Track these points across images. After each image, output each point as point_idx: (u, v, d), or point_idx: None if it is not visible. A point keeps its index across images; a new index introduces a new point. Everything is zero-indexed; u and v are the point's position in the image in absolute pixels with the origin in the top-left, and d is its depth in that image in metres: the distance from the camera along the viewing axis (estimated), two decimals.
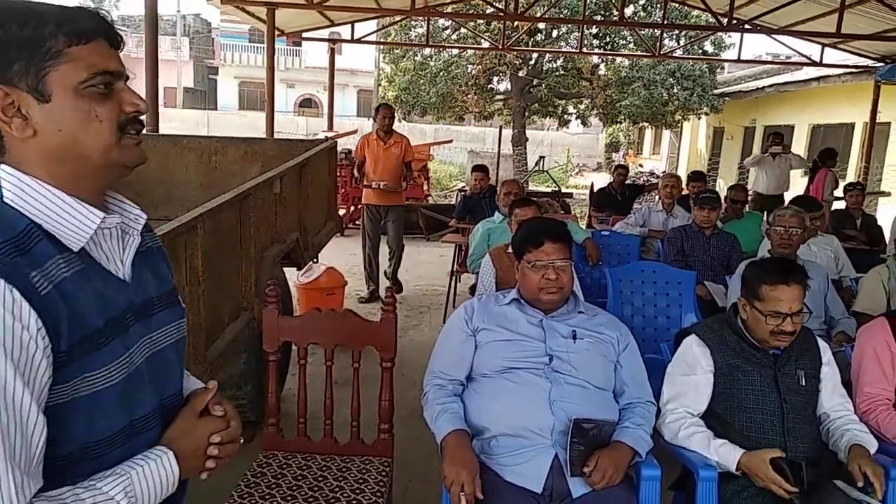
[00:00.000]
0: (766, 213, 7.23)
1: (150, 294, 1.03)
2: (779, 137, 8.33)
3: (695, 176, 6.41)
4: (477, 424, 1.99)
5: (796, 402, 2.03)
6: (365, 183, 5.98)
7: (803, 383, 2.05)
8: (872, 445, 1.98)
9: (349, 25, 10.75)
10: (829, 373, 2.11)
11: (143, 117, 0.98)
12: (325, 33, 11.43)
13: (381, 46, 16.42)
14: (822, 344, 2.16)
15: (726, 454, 1.94)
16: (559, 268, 2.07)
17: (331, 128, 11.33)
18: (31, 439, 0.82)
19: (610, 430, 1.94)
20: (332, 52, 11.56)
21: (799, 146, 14.66)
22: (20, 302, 0.82)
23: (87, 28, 0.90)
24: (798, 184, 8.84)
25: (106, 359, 0.91)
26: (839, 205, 6.89)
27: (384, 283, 5.89)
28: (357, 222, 9.57)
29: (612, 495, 1.82)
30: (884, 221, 6.50)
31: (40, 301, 0.84)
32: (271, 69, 8.56)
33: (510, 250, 3.36)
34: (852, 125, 12.73)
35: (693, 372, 2.10)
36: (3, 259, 0.83)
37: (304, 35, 10.98)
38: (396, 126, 6.25)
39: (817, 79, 12.55)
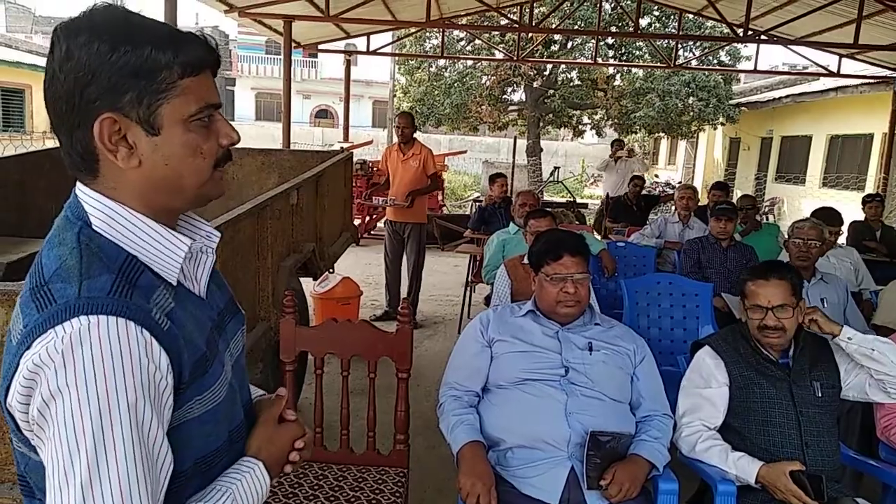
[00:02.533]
0: (611, 212, 7.73)
1: (220, 306, 1.02)
2: (620, 143, 9.32)
3: (717, 185, 6.36)
4: (493, 436, 1.99)
5: (813, 414, 2.01)
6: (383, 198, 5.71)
7: (819, 395, 2.03)
8: None
9: (365, 37, 10.85)
10: (853, 371, 2.08)
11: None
12: (340, 45, 11.55)
13: (397, 58, 16.51)
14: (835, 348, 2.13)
15: (745, 467, 1.92)
16: (577, 281, 2.07)
17: (346, 138, 11.40)
18: (160, 477, 0.82)
19: (627, 443, 1.93)
20: (348, 64, 11.66)
21: (817, 157, 14.55)
22: (150, 341, 0.80)
23: (200, 59, 0.86)
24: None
25: (211, 380, 0.91)
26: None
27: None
28: (372, 233, 9.65)
29: None
30: None
31: (164, 337, 0.83)
32: (288, 81, 8.65)
33: (525, 261, 3.37)
34: (871, 136, 12.60)
35: (708, 385, 2.09)
36: (122, 299, 0.80)
37: (321, 47, 11.10)
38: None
39: (835, 89, 12.45)
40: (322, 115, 33.45)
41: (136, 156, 0.85)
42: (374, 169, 8.87)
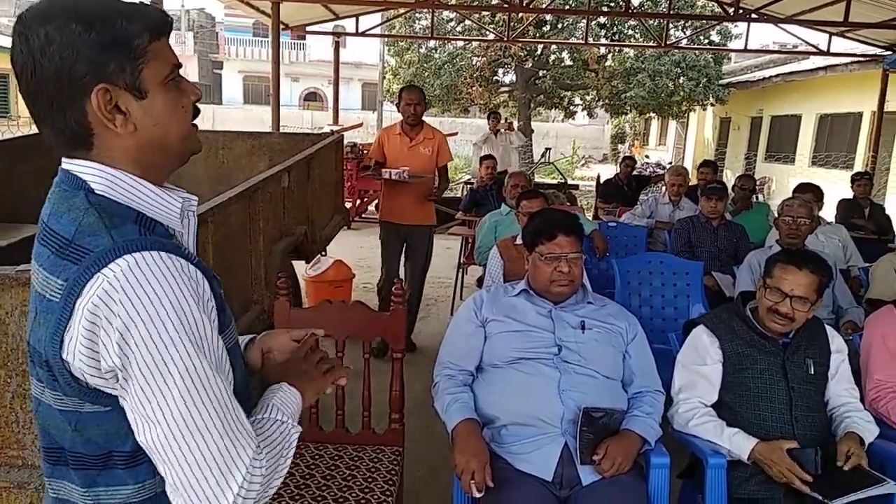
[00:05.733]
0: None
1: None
2: (497, 116, 9.02)
3: (705, 163, 6.38)
4: (487, 414, 2.01)
5: (804, 390, 2.04)
6: (378, 175, 4.39)
7: (812, 372, 2.06)
8: (871, 433, 2.00)
9: (353, 19, 10.75)
10: (839, 360, 2.12)
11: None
12: (329, 27, 11.44)
13: (386, 39, 16.37)
14: (831, 332, 2.17)
15: (739, 443, 1.96)
16: (571, 260, 2.08)
17: (336, 121, 11.33)
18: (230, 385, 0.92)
19: (619, 419, 1.96)
20: (337, 46, 11.56)
21: (806, 136, 14.60)
22: (189, 267, 0.89)
23: (162, 23, 0.93)
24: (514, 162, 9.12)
25: (230, 317, 1.01)
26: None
27: None
28: (364, 215, 9.58)
29: (621, 483, 1.84)
30: (892, 210, 6.47)
31: (198, 265, 0.92)
32: (276, 63, 8.58)
33: (518, 242, 3.39)
34: (860, 114, 12.65)
35: (703, 362, 2.11)
36: (152, 237, 0.88)
37: (309, 29, 10.98)
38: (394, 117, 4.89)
39: (824, 68, 12.46)
40: (311, 97, 33.21)
41: (131, 121, 0.91)
42: (364, 152, 8.75)
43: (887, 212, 6.15)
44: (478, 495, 1.80)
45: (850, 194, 6.15)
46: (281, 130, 8.91)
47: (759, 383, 2.04)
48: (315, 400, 1.18)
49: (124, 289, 0.82)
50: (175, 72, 0.94)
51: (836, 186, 8.65)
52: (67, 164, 0.93)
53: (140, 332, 0.82)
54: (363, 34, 11.30)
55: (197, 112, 1.00)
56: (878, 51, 10.23)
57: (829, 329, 2.18)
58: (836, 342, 2.15)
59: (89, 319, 0.83)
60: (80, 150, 0.91)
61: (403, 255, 4.54)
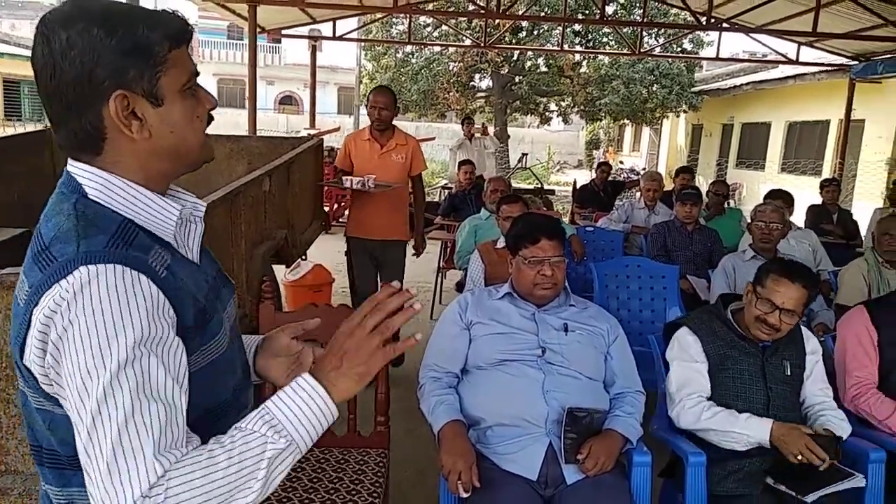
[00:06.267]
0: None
1: (213, 273, 1.08)
2: (471, 121, 9.15)
3: (683, 169, 6.51)
4: (473, 415, 2.03)
5: (781, 390, 2.10)
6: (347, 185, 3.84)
7: (788, 373, 2.12)
8: (845, 431, 2.06)
9: (331, 22, 10.73)
10: (813, 361, 2.18)
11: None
12: (305, 30, 11.39)
13: (363, 44, 16.36)
14: (806, 334, 2.24)
15: (756, 425, 1.98)
16: (554, 264, 2.12)
17: (313, 125, 11.29)
18: (177, 418, 0.84)
19: (602, 419, 2.00)
20: (314, 50, 11.52)
21: (776, 143, 14.93)
22: (148, 283, 0.85)
23: (182, 31, 0.93)
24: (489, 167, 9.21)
25: (216, 328, 0.98)
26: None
27: None
28: (341, 220, 9.54)
29: (605, 481, 1.88)
30: (859, 216, 6.65)
31: (162, 283, 0.88)
32: (253, 66, 8.52)
33: (498, 246, 3.42)
34: (827, 122, 12.97)
35: (694, 360, 2.15)
36: (118, 251, 0.86)
37: (285, 32, 10.92)
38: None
39: (793, 77, 12.76)
40: (286, 101, 32.98)
41: (147, 127, 0.92)
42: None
43: (854, 217, 6.32)
44: (464, 495, 1.82)
45: (818, 200, 6.31)
46: (258, 134, 8.85)
47: (738, 383, 2.09)
48: (367, 384, 0.93)
49: (72, 300, 0.81)
50: (193, 80, 0.95)
51: (805, 192, 8.85)
52: (71, 165, 0.94)
53: (73, 342, 0.81)
54: (340, 38, 11.28)
55: (210, 120, 1.01)
56: (844, 60, 10.51)
57: (804, 331, 2.24)
58: (812, 344, 2.21)
59: (41, 330, 0.83)
60: (89, 153, 0.92)
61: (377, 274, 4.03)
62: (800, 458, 1.88)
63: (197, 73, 0.96)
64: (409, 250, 4.18)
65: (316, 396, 0.89)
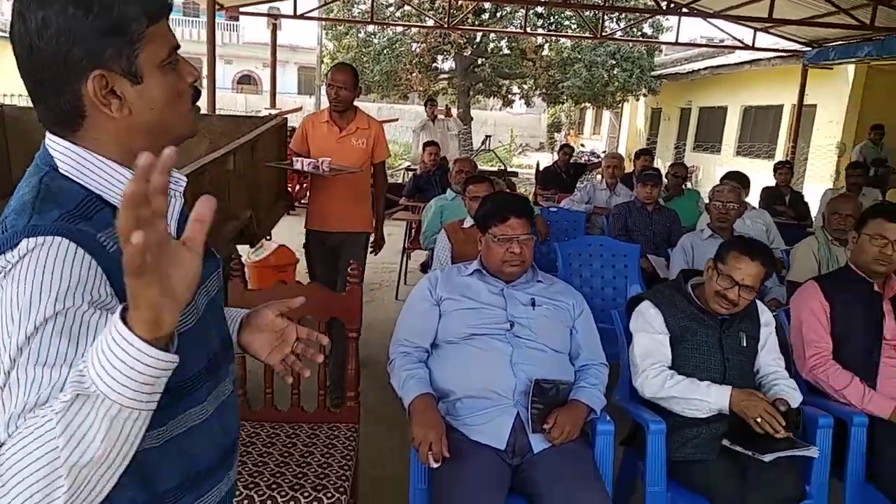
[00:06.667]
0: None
1: None
2: (434, 102, 9.23)
3: (642, 152, 6.64)
4: (442, 388, 2.08)
5: (737, 361, 2.20)
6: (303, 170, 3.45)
7: (744, 344, 2.22)
8: (796, 400, 2.16)
9: (291, 0, 10.55)
10: (767, 333, 2.29)
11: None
12: (264, 8, 11.17)
13: (324, 23, 16.11)
14: (761, 307, 2.34)
15: (717, 392, 2.08)
16: (523, 241, 2.16)
17: (273, 105, 11.13)
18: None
19: (567, 390, 2.06)
20: (274, 28, 11.32)
21: (732, 127, 15.28)
22: (86, 258, 0.83)
23: (160, 6, 0.92)
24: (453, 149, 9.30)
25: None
26: None
27: None
28: (304, 201, 9.43)
29: (569, 449, 1.95)
30: (810, 198, 6.89)
31: (107, 256, 0.85)
32: (212, 44, 8.33)
33: (465, 225, 3.46)
34: (781, 107, 13.33)
35: (657, 332, 2.23)
36: (64, 224, 0.85)
37: (244, 9, 10.71)
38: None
39: (749, 62, 13.06)
40: (245, 80, 32.37)
41: (126, 105, 0.91)
42: None
43: (805, 199, 6.55)
44: (435, 466, 1.87)
45: (772, 182, 6.51)
46: (217, 113, 8.69)
47: (697, 355, 2.18)
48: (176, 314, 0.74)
49: (10, 270, 0.81)
50: (173, 55, 0.94)
51: (760, 175, 9.10)
52: (48, 139, 0.93)
53: (3, 310, 0.80)
54: (300, 17, 11.09)
55: (197, 94, 1.00)
56: (798, 47, 10.80)
57: (759, 304, 2.34)
58: (766, 316, 2.31)
59: None
60: (67, 129, 0.91)
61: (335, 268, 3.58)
62: (759, 420, 1.98)
63: (177, 47, 0.95)
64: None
65: (112, 329, 0.72)
